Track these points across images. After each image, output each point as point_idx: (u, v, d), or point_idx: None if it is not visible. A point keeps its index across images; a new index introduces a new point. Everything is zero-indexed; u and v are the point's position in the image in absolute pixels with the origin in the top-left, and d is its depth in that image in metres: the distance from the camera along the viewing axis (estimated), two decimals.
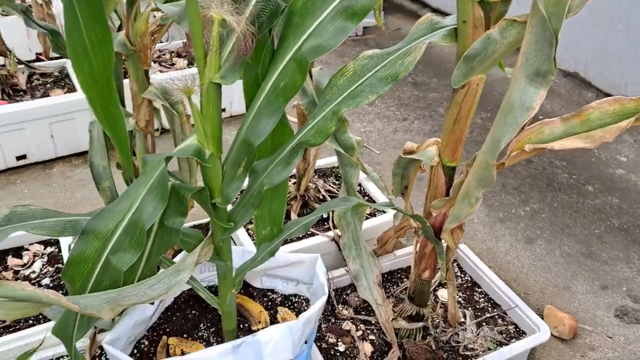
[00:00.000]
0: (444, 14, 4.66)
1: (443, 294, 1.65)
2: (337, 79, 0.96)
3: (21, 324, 1.43)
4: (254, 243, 1.48)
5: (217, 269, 1.16)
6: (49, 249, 1.67)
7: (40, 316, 1.46)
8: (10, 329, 1.42)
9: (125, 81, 1.41)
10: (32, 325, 1.42)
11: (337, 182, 2.05)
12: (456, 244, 1.27)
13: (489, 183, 1.13)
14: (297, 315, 1.38)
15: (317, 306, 1.20)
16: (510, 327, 1.56)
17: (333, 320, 1.55)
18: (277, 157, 0.98)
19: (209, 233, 1.08)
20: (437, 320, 1.49)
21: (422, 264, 1.36)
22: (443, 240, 1.28)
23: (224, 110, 3.00)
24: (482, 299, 1.65)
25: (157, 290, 0.95)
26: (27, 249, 1.66)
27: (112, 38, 0.85)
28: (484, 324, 1.55)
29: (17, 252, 1.65)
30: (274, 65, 0.88)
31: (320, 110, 0.95)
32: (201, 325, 1.36)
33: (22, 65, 2.73)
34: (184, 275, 0.98)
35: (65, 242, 1.63)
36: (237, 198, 1.65)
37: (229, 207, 1.06)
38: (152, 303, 1.31)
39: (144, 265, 1.03)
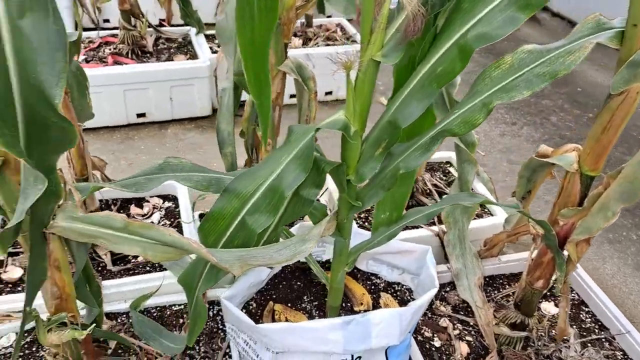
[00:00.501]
0: (562, 18, 4.43)
1: (546, 307, 1.59)
2: (492, 71, 0.93)
3: (140, 269, 1.54)
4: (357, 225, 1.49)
5: (334, 244, 1.18)
6: (167, 204, 1.77)
7: (157, 265, 1.56)
8: (130, 272, 1.52)
9: None
10: (149, 271, 1.52)
11: (444, 178, 2.02)
12: (579, 257, 1.21)
13: (632, 198, 1.07)
14: (399, 304, 1.38)
15: (427, 297, 1.19)
16: (617, 352, 1.47)
17: (430, 315, 1.54)
18: (417, 143, 0.98)
19: (335, 208, 1.10)
20: (541, 333, 1.43)
21: (536, 273, 1.31)
22: (565, 251, 1.23)
23: (330, 93, 3.03)
24: (589, 319, 1.57)
25: (283, 256, 0.98)
26: (148, 201, 1.77)
27: (277, 6, 0.88)
28: (589, 344, 1.48)
29: (139, 202, 1.77)
30: (434, 49, 0.87)
31: (469, 101, 0.93)
32: (305, 298, 1.39)
33: (151, 29, 2.89)
34: (308, 245, 1.01)
35: (184, 199, 1.72)
36: None
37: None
38: (272, 268, 1.36)
39: (272, 230, 1.06)
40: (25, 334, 1.35)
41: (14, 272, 1.46)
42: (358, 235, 1.33)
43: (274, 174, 0.95)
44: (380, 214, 1.21)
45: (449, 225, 1.61)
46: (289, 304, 1.37)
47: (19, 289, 1.45)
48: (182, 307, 1.46)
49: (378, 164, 0.99)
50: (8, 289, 1.44)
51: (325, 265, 1.48)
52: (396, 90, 0.94)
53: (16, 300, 1.39)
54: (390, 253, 1.39)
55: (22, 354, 1.30)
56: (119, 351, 1.32)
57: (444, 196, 1.78)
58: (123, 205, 1.75)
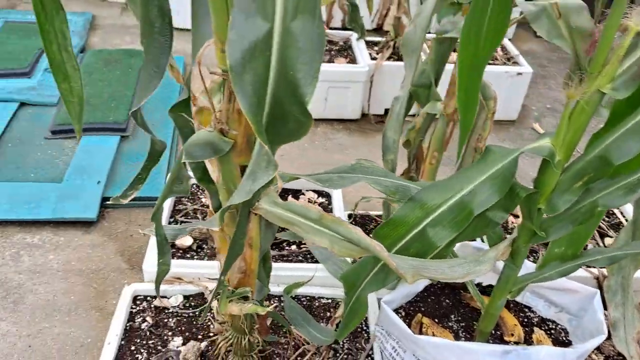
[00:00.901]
0: None
1: None
2: None
3: (293, 257, 1.61)
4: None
5: (502, 270, 1.15)
6: (321, 199, 1.85)
7: (309, 257, 1.63)
8: (284, 259, 1.61)
9: (449, 66, 1.46)
10: (301, 261, 1.59)
11: (606, 219, 1.89)
12: None
13: None
14: (553, 343, 1.32)
15: (594, 343, 1.13)
16: None
17: None
18: (623, 181, 0.93)
19: (514, 233, 1.08)
20: None
21: None
22: None
23: None
24: None
25: (456, 273, 0.98)
26: (303, 194, 1.86)
27: (506, 29, 0.88)
28: None
29: (295, 194, 1.86)
30: None
31: None
32: (452, 316, 1.38)
33: None
34: (483, 267, 1.00)
35: (338, 197, 1.78)
36: None
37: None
38: (432, 281, 1.37)
39: (447, 244, 1.06)
40: (190, 298, 1.48)
41: (185, 239, 1.60)
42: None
43: (464, 190, 0.95)
44: (554, 248, 1.17)
45: (612, 270, 1.50)
46: (436, 320, 1.36)
47: (188, 255, 1.59)
48: (330, 301, 1.51)
49: (575, 197, 0.95)
50: (179, 254, 1.59)
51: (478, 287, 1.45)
52: (612, 124, 0.90)
53: (185, 266, 1.52)
54: (552, 289, 1.33)
55: (187, 315, 1.43)
56: (269, 331, 1.40)
57: (633, 242, 1.67)
58: (281, 195, 1.85)
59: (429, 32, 1.43)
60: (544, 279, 1.15)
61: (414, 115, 1.90)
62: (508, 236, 1.09)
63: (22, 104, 2.52)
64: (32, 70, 2.73)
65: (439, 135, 1.49)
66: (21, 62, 2.75)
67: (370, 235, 0.99)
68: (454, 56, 1.24)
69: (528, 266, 1.28)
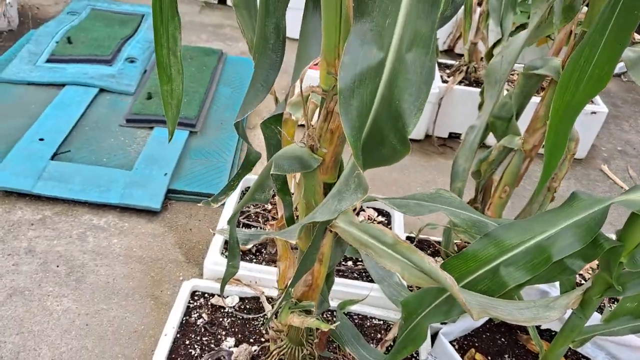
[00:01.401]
0: None
1: None
2: None
3: (348, 273, 1.62)
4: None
5: (569, 317, 1.12)
6: (381, 218, 1.85)
7: (365, 275, 1.63)
8: (340, 274, 1.61)
9: (534, 100, 1.44)
10: (356, 279, 1.60)
11: None
12: None
13: None
14: None
15: None
16: None
17: None
18: None
19: (588, 282, 1.05)
20: None
21: None
22: None
23: None
24: None
25: (523, 316, 0.96)
26: (364, 210, 1.86)
27: (609, 77, 0.86)
28: None
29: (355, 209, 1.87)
30: None
31: None
32: (506, 356, 1.35)
33: None
34: (553, 313, 0.97)
35: (399, 218, 1.78)
36: None
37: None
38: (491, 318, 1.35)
39: (518, 285, 1.05)
40: (245, 300, 1.51)
41: None
42: None
43: (545, 234, 0.94)
44: (626, 302, 1.13)
45: None
46: (489, 357, 1.34)
47: (247, 258, 1.62)
48: (382, 322, 1.51)
49: None
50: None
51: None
52: None
53: (244, 268, 1.55)
54: (616, 343, 1.28)
55: (242, 317, 1.45)
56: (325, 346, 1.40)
57: None
58: None
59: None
60: (613, 333, 1.11)
61: (484, 145, 1.88)
62: (581, 284, 1.06)
63: (102, 90, 2.64)
64: (114, 59, 2.85)
65: (514, 170, 1.47)
66: (104, 49, 2.88)
67: (439, 264, 0.99)
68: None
69: (593, 316, 1.24)
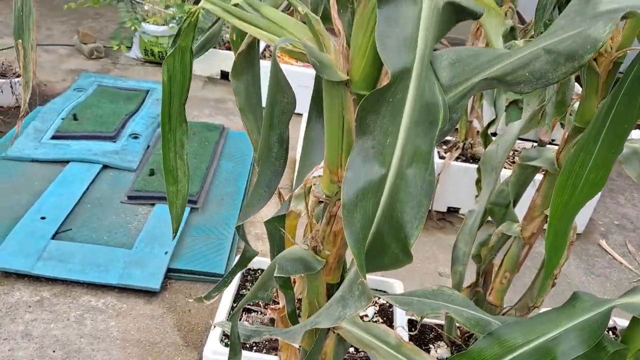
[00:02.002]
0: None
1: None
2: None
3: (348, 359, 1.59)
4: None
5: None
6: (382, 300, 1.83)
7: None
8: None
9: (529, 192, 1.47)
10: None
11: None
12: None
13: None
14: None
15: None
16: None
17: None
18: None
19: None
20: None
21: None
22: None
23: None
24: None
25: None
26: None
27: (605, 181, 0.89)
28: None
29: None
30: None
31: None
32: None
33: None
34: None
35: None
36: None
37: None
38: None
39: None
40: None
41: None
42: None
43: (549, 335, 0.93)
44: None
45: None
46: None
47: (247, 345, 1.59)
48: None
49: None
50: None
51: None
52: None
53: (245, 357, 1.52)
54: None
55: None
56: None
57: None
58: None
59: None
60: None
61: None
62: None
63: (105, 166, 2.68)
64: (118, 135, 2.92)
65: (513, 257, 1.48)
66: (109, 126, 2.95)
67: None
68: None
69: None
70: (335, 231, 0.88)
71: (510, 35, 2.21)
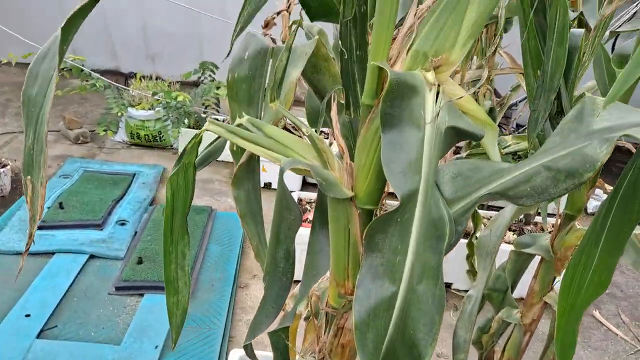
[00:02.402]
0: None
1: None
2: None
3: None
4: None
5: None
6: None
7: None
8: None
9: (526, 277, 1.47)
10: None
11: None
12: None
13: None
14: None
15: None
16: None
17: None
18: None
19: None
20: None
21: None
22: None
23: None
24: None
25: None
26: None
27: (609, 281, 0.89)
28: None
29: None
30: None
31: None
32: None
33: None
34: None
35: None
36: None
37: None
38: None
39: None
40: None
41: None
42: None
43: None
44: None
45: None
46: None
47: None
48: None
49: None
50: None
51: None
52: None
53: None
54: None
55: None
56: None
57: None
58: None
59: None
60: None
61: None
62: None
63: (91, 256, 2.63)
64: (105, 223, 2.88)
65: (515, 344, 1.46)
66: (95, 213, 2.92)
67: None
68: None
69: None
70: (343, 343, 0.86)
71: (490, 115, 2.30)
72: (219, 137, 0.94)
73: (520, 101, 4.50)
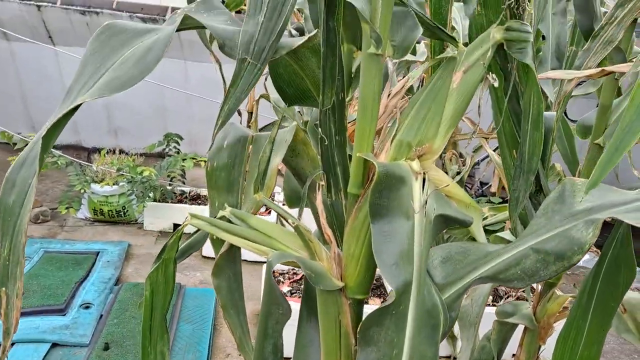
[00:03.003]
0: None
1: None
2: None
3: None
4: None
5: None
6: None
7: None
8: None
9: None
10: None
11: None
12: None
13: None
14: None
15: None
16: None
17: None
18: None
19: None
20: None
21: None
22: None
23: None
24: None
25: None
26: None
27: (599, 355, 0.89)
28: None
29: None
30: None
31: None
32: None
33: None
34: None
35: None
36: None
37: None
38: None
39: None
40: None
41: None
42: None
43: None
44: None
45: None
46: None
47: None
48: None
49: None
50: None
51: None
52: None
53: None
54: None
55: None
56: None
57: None
58: None
59: None
60: None
61: None
62: None
63: (54, 345, 2.48)
64: (67, 307, 2.74)
65: None
66: (57, 297, 2.78)
67: None
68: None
69: None
70: None
71: (459, 182, 2.34)
72: (199, 230, 0.92)
73: (482, 160, 4.65)
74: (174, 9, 4.63)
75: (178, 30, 0.69)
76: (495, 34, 0.69)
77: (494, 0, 0.71)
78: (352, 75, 1.10)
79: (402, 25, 0.69)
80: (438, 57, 0.68)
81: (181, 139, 4.43)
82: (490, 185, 4.64)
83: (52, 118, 0.58)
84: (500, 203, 2.84)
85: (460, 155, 3.53)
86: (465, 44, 0.72)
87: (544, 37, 2.04)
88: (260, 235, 0.77)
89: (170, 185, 4.09)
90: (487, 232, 1.70)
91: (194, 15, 0.70)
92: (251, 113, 2.71)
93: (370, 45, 0.65)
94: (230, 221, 0.79)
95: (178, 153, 4.32)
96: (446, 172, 2.56)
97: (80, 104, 0.57)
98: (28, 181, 0.58)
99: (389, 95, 0.82)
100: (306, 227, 0.76)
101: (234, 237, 0.76)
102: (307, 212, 0.94)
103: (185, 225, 0.76)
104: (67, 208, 3.85)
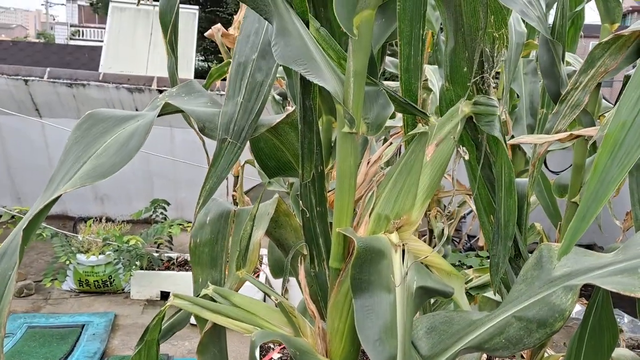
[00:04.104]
0: None
1: None
2: None
3: None
4: None
5: None
6: None
7: None
8: None
9: None
10: None
11: None
12: None
13: None
14: None
15: None
16: None
17: None
18: None
19: None
20: None
21: None
22: None
23: None
24: None
25: None
26: None
27: None
28: None
29: None
30: None
31: None
32: None
33: None
34: None
35: None
36: None
37: None
38: None
39: None
40: None
41: None
42: None
43: None
44: None
45: None
46: None
47: None
48: None
49: None
50: None
51: None
52: None
53: None
54: None
55: None
56: None
57: None
58: None
59: None
60: None
61: None
62: None
63: None
64: None
65: None
66: None
67: None
68: None
69: None
70: None
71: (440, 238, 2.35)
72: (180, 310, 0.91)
73: (467, 214, 4.69)
74: (159, 79, 4.74)
75: (159, 115, 0.72)
76: (464, 107, 0.72)
77: (461, 76, 0.74)
78: (332, 145, 1.13)
79: (375, 103, 0.72)
80: (410, 132, 0.71)
81: (168, 204, 4.42)
82: (478, 239, 4.65)
83: (33, 209, 0.59)
84: (487, 257, 2.85)
85: (445, 208, 3.55)
86: None
87: (518, 96, 2.12)
88: (244, 313, 0.77)
89: (157, 252, 4.04)
90: (476, 288, 1.69)
91: (174, 101, 0.72)
92: (237, 177, 2.73)
93: (344, 125, 0.67)
94: (213, 299, 0.78)
95: (165, 219, 4.30)
96: (432, 230, 2.57)
97: (60, 195, 0.58)
98: (8, 273, 0.58)
99: (368, 162, 0.84)
100: (289, 303, 0.76)
101: (218, 316, 0.76)
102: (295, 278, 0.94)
103: (167, 308, 0.76)
104: (52, 280, 3.77)
